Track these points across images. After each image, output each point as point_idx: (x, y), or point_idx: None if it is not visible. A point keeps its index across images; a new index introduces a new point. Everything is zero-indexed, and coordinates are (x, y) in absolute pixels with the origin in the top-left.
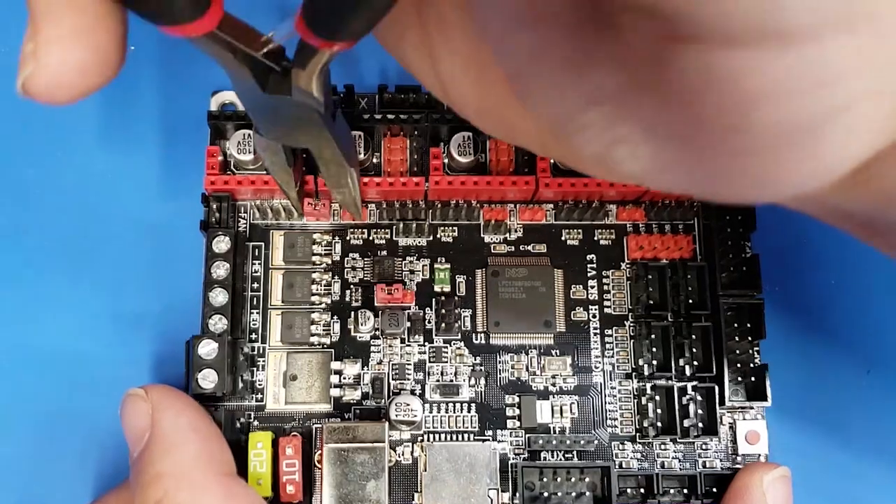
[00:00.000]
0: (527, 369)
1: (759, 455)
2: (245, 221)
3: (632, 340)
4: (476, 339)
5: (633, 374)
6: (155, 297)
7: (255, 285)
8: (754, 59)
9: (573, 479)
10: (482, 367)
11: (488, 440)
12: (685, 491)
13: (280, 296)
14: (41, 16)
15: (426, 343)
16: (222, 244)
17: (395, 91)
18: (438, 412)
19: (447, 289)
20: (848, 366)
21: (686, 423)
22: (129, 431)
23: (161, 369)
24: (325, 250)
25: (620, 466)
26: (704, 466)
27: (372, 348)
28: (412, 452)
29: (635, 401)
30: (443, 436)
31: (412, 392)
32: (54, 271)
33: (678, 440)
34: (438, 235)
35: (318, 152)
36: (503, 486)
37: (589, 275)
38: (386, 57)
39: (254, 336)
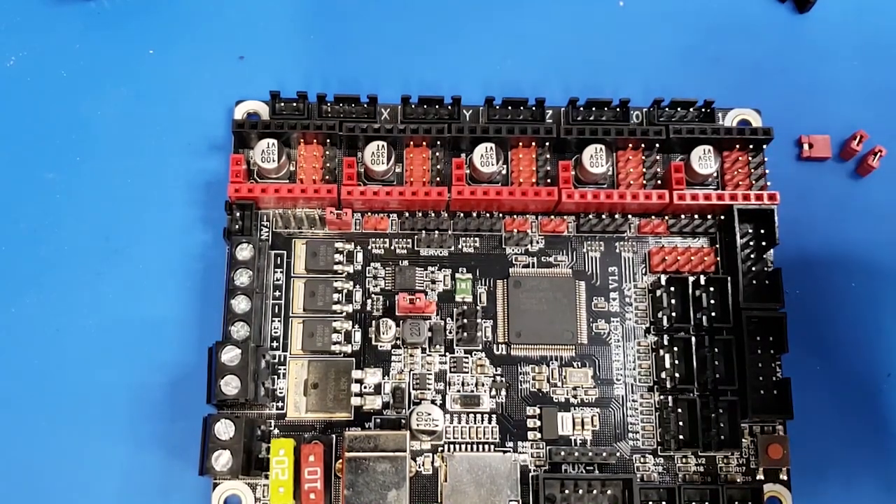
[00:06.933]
0: (548, 381)
1: (781, 469)
2: (268, 230)
3: (653, 353)
4: (497, 350)
5: (655, 386)
6: (177, 303)
7: (277, 293)
8: None
9: (594, 492)
10: (503, 378)
11: (509, 451)
12: None
13: (302, 304)
14: None
15: (447, 353)
16: (245, 252)
17: (418, 102)
18: (459, 423)
19: (468, 299)
20: (868, 370)
21: (708, 436)
22: None
23: (183, 375)
24: (346, 259)
25: (642, 479)
26: (726, 480)
27: (393, 357)
28: (433, 463)
29: (657, 413)
30: (463, 447)
31: (433, 402)
32: (75, 276)
33: (700, 453)
34: (460, 246)
35: None
36: (524, 497)
37: (611, 287)
38: (409, 67)
39: (275, 344)
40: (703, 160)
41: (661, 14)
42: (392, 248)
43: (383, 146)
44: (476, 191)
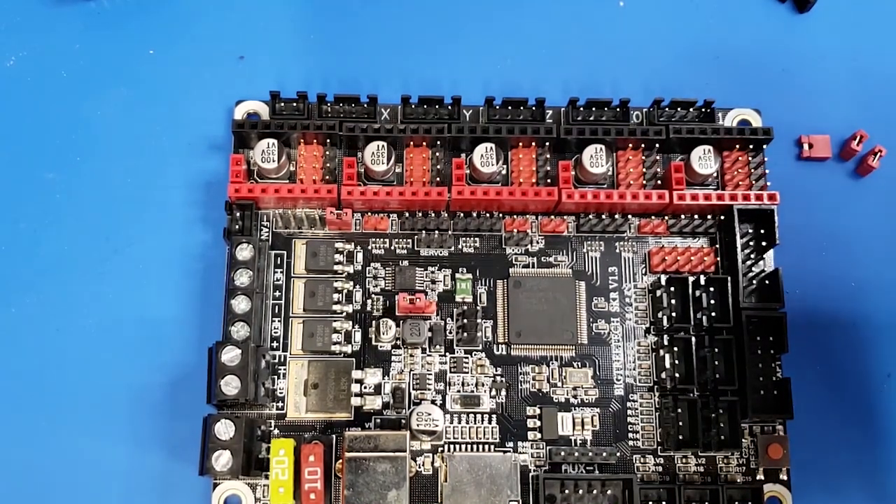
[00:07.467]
0: (548, 381)
1: (781, 469)
2: (268, 230)
3: (653, 353)
4: (497, 350)
5: (655, 386)
6: (177, 303)
7: (277, 293)
8: None
9: (594, 492)
10: (503, 379)
11: (509, 452)
12: None
13: (302, 304)
14: None
15: (447, 353)
16: (245, 252)
17: (418, 102)
18: (459, 423)
19: (468, 299)
20: (868, 370)
21: (708, 436)
22: None
23: (183, 375)
24: (346, 259)
25: (642, 479)
26: (726, 480)
27: (393, 358)
28: (433, 463)
29: (657, 414)
30: (463, 447)
31: (433, 402)
32: (75, 276)
33: (700, 453)
34: (460, 246)
35: None
36: (524, 497)
37: (611, 287)
38: (409, 67)
39: (275, 344)
40: (703, 160)
41: (661, 14)
42: (392, 248)
43: (383, 146)
44: (476, 191)
